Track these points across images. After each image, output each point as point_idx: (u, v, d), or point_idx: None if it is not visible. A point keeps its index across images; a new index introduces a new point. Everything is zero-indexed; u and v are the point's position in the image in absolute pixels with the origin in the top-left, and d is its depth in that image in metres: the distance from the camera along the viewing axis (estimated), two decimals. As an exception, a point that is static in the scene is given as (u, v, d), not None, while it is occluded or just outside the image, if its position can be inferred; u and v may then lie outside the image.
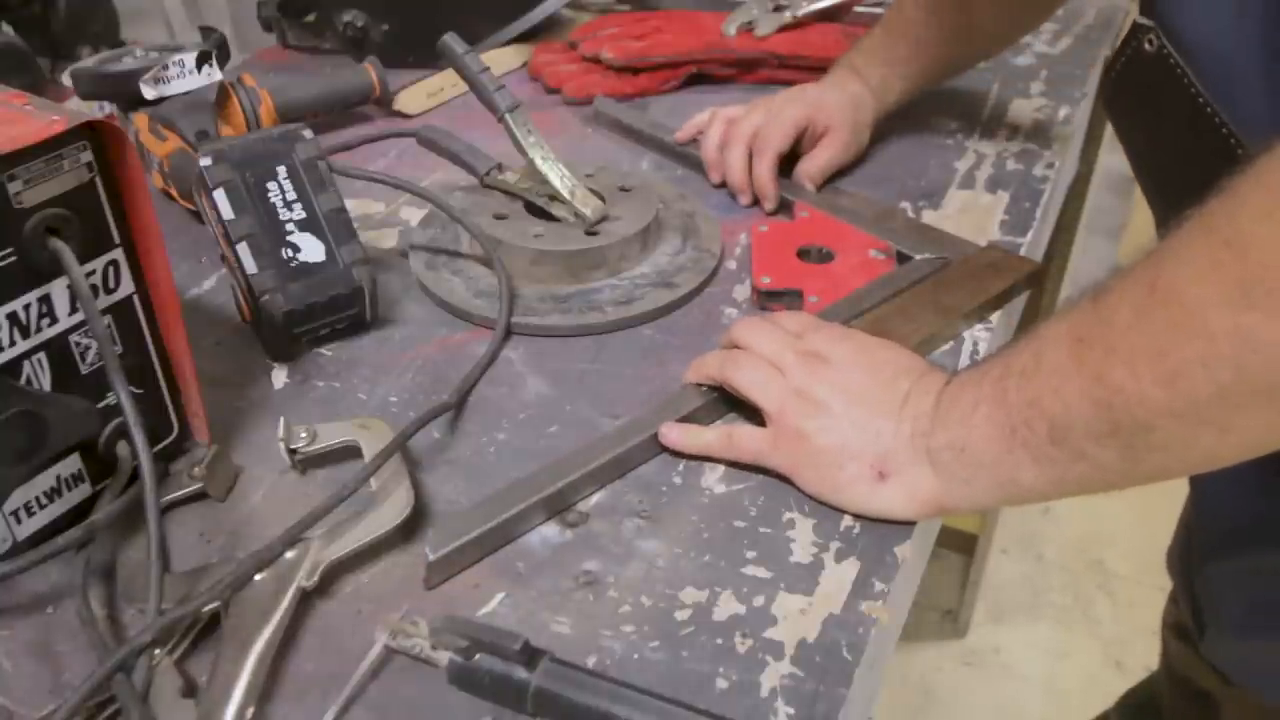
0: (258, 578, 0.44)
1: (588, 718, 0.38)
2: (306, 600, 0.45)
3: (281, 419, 0.51)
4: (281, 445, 0.51)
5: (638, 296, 0.63)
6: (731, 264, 0.68)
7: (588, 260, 0.64)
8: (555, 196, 0.67)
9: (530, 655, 0.39)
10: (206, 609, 0.43)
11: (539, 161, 0.66)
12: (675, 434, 0.52)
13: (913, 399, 0.49)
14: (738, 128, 0.76)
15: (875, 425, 0.48)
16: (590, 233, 0.65)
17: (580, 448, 0.51)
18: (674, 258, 0.67)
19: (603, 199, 0.67)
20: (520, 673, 0.39)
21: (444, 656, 0.40)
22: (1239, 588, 0.63)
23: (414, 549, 0.47)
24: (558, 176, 0.66)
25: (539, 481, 0.49)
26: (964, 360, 0.58)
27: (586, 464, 0.50)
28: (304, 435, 0.51)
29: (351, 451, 0.52)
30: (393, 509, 0.48)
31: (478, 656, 0.39)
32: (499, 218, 0.67)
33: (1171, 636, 0.79)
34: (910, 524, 0.48)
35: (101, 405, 0.48)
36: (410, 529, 0.48)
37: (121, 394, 0.45)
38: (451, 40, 0.68)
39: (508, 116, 0.67)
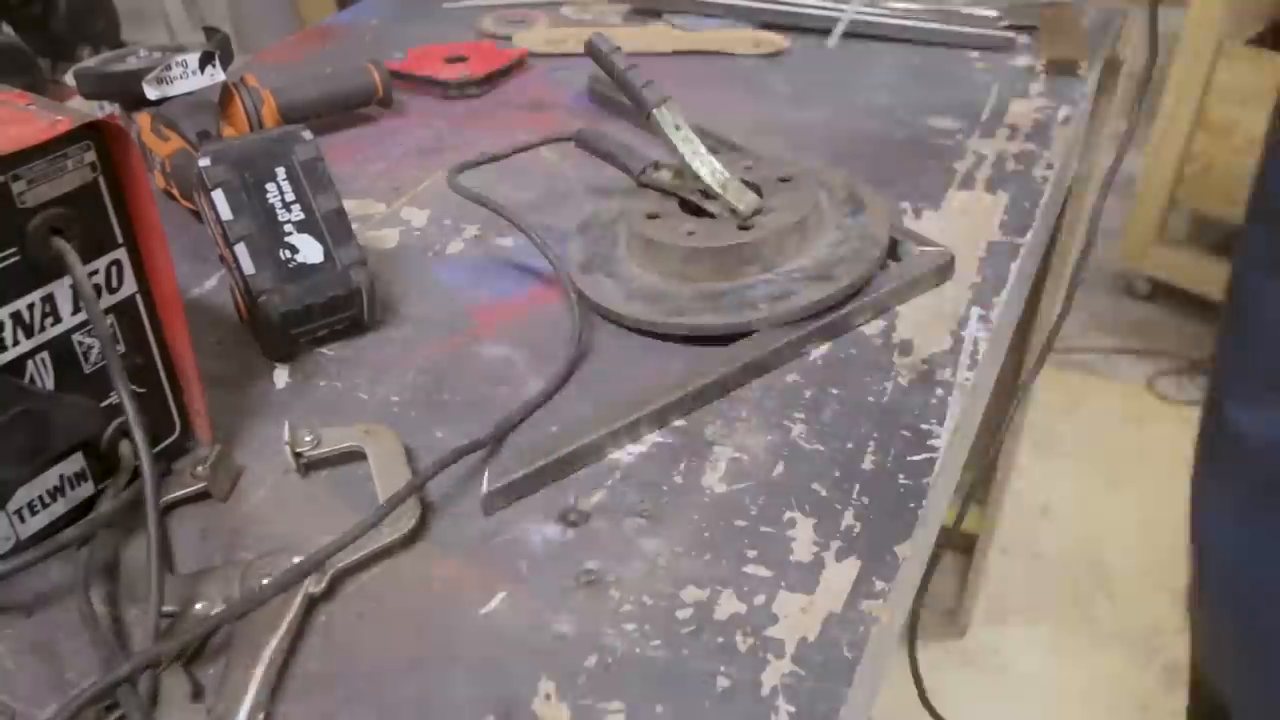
0: (264, 582, 0.45)
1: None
2: (314, 605, 0.45)
3: (287, 423, 0.52)
4: (287, 448, 0.51)
5: (793, 291, 0.60)
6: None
7: (740, 256, 0.61)
8: (708, 193, 0.65)
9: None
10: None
11: (689, 157, 0.65)
12: None
13: None
14: None
15: None
16: (744, 227, 0.63)
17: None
18: (835, 248, 0.63)
19: (760, 191, 0.65)
20: None
21: None
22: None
23: (417, 549, 0.48)
24: (709, 171, 0.64)
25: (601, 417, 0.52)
26: (964, 359, 0.58)
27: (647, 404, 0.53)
28: (309, 439, 0.52)
29: (356, 455, 0.52)
30: (401, 518, 0.48)
31: None
32: (652, 217, 0.65)
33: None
34: (910, 522, 0.48)
35: (104, 404, 0.48)
36: (415, 533, 0.48)
37: (123, 393, 0.45)
38: (597, 39, 0.68)
39: (655, 112, 0.65)
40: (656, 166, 0.68)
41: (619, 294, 0.63)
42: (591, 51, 0.68)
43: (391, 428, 0.53)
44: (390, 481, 0.50)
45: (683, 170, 0.66)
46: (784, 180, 0.66)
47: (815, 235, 0.64)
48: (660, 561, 0.47)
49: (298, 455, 0.51)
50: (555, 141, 0.76)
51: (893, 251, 0.65)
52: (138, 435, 0.45)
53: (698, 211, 0.65)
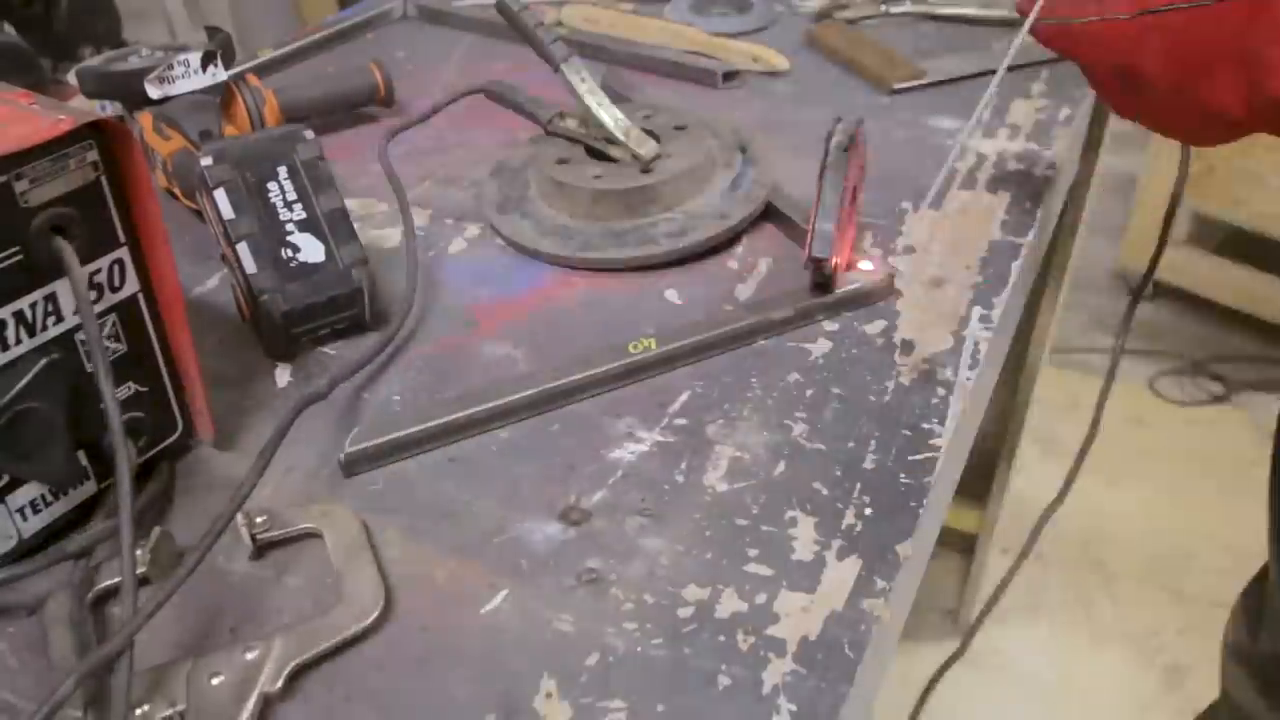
0: (214, 682, 0.42)
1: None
2: (269, 705, 0.42)
3: (240, 513, 0.47)
4: (243, 531, 0.48)
5: (692, 228, 0.67)
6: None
7: (643, 196, 0.68)
8: (612, 139, 0.70)
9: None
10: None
11: (594, 108, 0.71)
12: None
13: None
14: None
15: None
16: (645, 170, 0.69)
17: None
18: (729, 192, 0.70)
19: (657, 138, 0.71)
20: None
21: None
22: None
23: (388, 629, 0.44)
24: (611, 120, 0.70)
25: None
26: (965, 358, 0.58)
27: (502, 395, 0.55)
28: (261, 520, 0.48)
29: (313, 534, 0.49)
30: (361, 602, 0.45)
31: None
32: (561, 162, 0.71)
33: (1231, 660, 0.77)
34: (912, 521, 0.48)
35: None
36: (382, 619, 0.45)
37: (108, 399, 0.44)
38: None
39: (563, 66, 0.71)
40: (562, 116, 0.74)
41: (533, 231, 0.69)
42: (500, 9, 0.72)
43: (348, 508, 0.50)
44: (350, 563, 0.47)
45: (587, 119, 0.71)
46: (679, 128, 0.72)
47: (709, 178, 0.70)
48: (662, 560, 0.47)
49: (253, 537, 0.48)
50: (467, 95, 0.81)
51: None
52: (119, 445, 0.43)
53: (602, 157, 0.71)
